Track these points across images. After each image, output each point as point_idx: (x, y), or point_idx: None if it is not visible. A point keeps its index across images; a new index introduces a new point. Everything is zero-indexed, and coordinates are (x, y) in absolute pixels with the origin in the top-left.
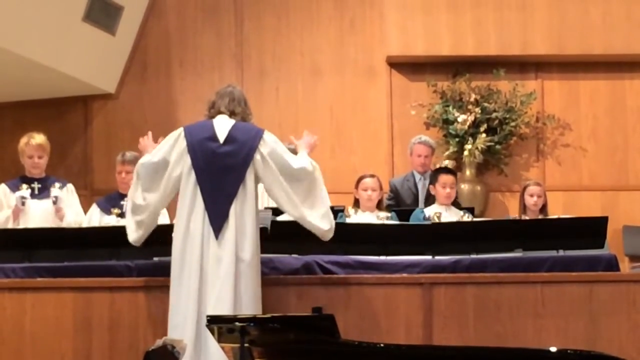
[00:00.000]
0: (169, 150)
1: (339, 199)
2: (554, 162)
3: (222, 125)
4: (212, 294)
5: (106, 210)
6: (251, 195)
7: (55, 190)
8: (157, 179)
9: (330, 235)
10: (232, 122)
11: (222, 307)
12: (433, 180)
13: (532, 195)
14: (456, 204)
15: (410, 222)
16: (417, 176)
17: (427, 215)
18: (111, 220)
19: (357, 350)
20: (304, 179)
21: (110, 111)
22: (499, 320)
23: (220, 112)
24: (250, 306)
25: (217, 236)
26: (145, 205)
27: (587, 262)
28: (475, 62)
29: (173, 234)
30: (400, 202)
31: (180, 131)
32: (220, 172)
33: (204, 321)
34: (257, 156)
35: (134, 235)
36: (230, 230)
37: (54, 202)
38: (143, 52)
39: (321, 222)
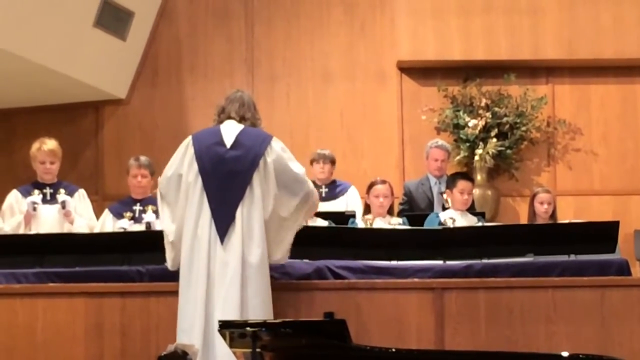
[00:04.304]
0: (180, 162)
1: None
2: (565, 167)
3: (230, 130)
4: (219, 299)
5: (118, 215)
6: (259, 199)
7: (61, 195)
8: (177, 192)
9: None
10: (240, 127)
11: (228, 312)
12: (450, 185)
13: (542, 203)
14: (471, 208)
15: (423, 227)
16: (433, 180)
17: (442, 220)
18: (124, 224)
19: (368, 355)
20: (299, 191)
21: (122, 116)
22: (510, 325)
23: (230, 117)
24: (258, 311)
25: (222, 241)
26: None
27: (598, 266)
28: (486, 67)
29: (182, 239)
30: (414, 206)
31: (188, 140)
32: (227, 176)
33: (212, 326)
34: (262, 163)
35: (170, 263)
36: (237, 235)
37: (63, 207)
38: (154, 57)
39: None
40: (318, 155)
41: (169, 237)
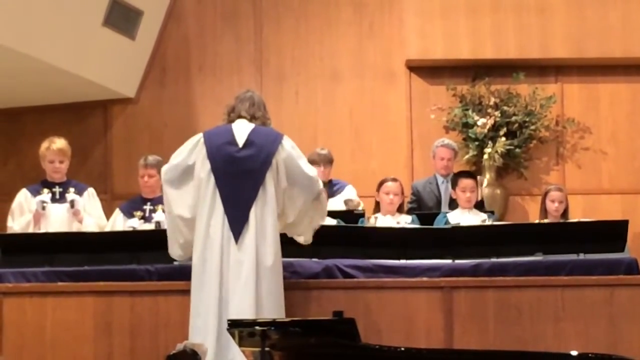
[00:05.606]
0: (188, 154)
1: None
2: (574, 166)
3: (242, 130)
4: (234, 298)
5: (129, 214)
6: (272, 198)
7: (70, 194)
8: (184, 182)
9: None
10: (251, 126)
11: (243, 311)
12: (453, 184)
13: (553, 201)
14: (481, 206)
15: (431, 226)
16: (440, 179)
17: (449, 221)
18: (134, 223)
19: (377, 354)
20: (310, 189)
21: (130, 116)
22: (519, 324)
23: (240, 116)
24: (272, 310)
25: (236, 240)
26: (192, 218)
27: (607, 265)
28: (495, 66)
29: (194, 239)
30: (422, 205)
31: (199, 137)
32: (240, 176)
33: (225, 325)
34: (274, 162)
35: (181, 250)
36: (251, 234)
37: (71, 206)
38: (162, 56)
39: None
40: (318, 157)
41: (185, 215)
